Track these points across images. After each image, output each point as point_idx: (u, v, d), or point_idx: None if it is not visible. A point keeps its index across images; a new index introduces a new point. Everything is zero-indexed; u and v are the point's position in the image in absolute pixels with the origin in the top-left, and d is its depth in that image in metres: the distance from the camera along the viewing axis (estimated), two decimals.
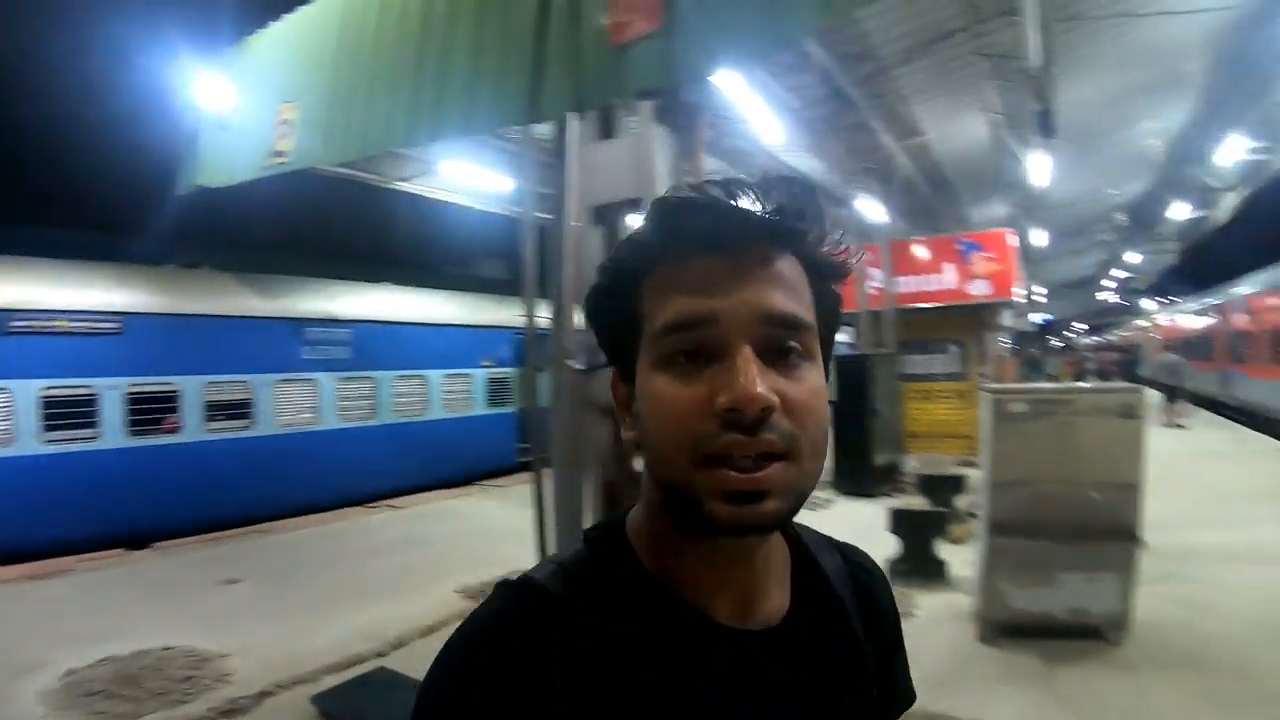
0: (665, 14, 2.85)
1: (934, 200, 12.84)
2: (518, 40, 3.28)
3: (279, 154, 4.43)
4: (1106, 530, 4.18)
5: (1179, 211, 19.18)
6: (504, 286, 12.26)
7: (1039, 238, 16.32)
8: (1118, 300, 42.19)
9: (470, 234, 15.91)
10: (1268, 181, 15.91)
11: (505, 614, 0.61)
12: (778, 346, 0.58)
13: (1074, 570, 4.25)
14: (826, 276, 0.64)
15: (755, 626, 0.64)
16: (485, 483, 11.50)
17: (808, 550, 0.73)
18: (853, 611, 0.73)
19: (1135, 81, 11.34)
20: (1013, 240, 11.56)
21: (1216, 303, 20.11)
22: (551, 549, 3.96)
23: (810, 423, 0.57)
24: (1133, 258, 26.67)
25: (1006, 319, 12.30)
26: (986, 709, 3.65)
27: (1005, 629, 4.44)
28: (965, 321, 11.01)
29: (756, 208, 0.58)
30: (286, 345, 9.70)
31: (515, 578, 0.64)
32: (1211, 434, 14.07)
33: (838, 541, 0.81)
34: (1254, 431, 14.12)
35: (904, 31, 8.33)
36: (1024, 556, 4.32)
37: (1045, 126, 7.32)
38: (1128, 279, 34.20)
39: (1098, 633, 4.31)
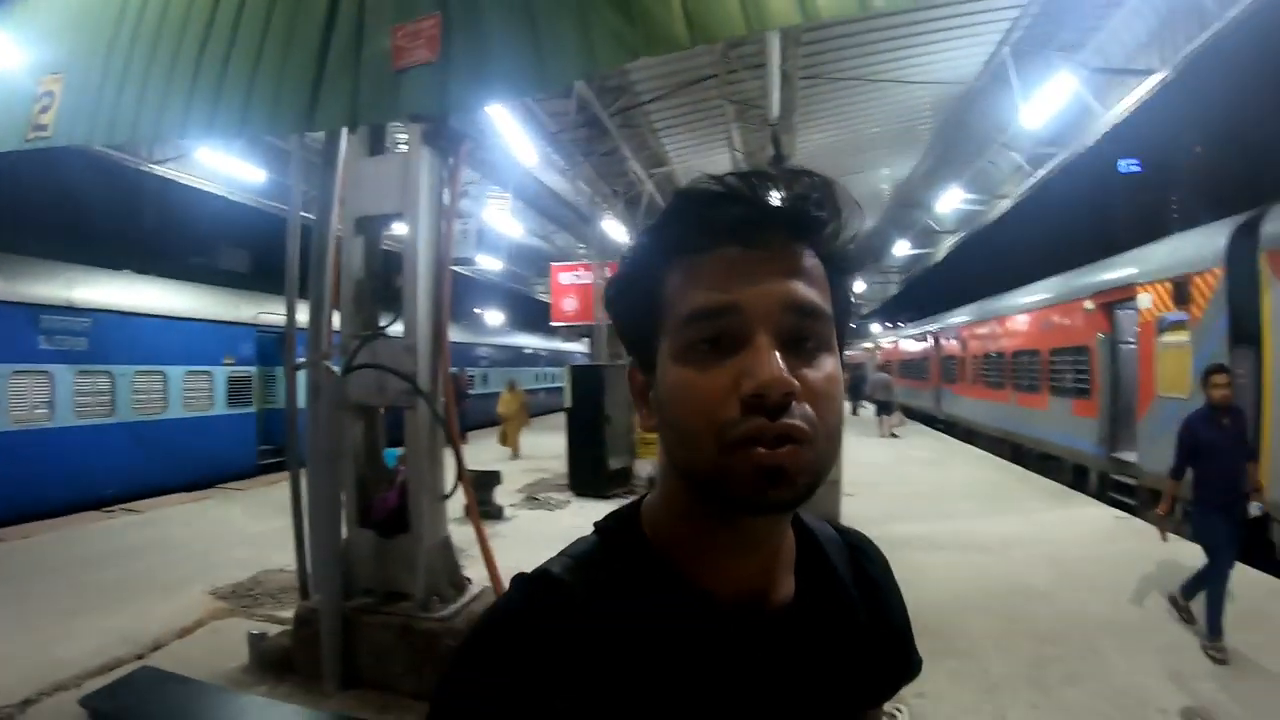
0: (444, 46, 3.20)
1: None
2: (301, 49, 3.44)
3: (40, 128, 4.20)
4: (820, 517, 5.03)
5: (903, 248, 22.56)
6: (247, 280, 11.80)
7: None
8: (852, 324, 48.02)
9: (216, 224, 15.05)
10: (978, 229, 19.06)
11: (521, 607, 0.61)
12: (798, 336, 0.59)
13: None
14: (842, 270, 0.65)
15: (765, 612, 0.66)
16: (226, 486, 11.06)
17: (813, 535, 0.75)
18: (856, 595, 0.75)
19: (871, 134, 13.23)
20: None
21: (930, 330, 23.44)
22: (307, 545, 4.17)
23: (827, 408, 0.59)
24: (860, 286, 31.02)
25: None
26: None
27: None
28: None
29: (776, 200, 0.60)
30: (20, 333, 8.74)
31: (531, 571, 0.65)
32: (921, 443, 16.36)
33: (841, 526, 0.83)
34: (958, 441, 16.73)
35: (662, 73, 9.25)
36: None
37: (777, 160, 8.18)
38: (856, 305, 39.51)
39: None
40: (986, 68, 10.67)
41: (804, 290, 0.60)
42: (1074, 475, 11.00)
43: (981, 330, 16.77)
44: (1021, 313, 13.85)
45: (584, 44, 2.94)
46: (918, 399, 24.44)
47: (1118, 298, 9.71)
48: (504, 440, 13.79)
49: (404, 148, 4.15)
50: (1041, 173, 13.49)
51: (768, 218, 0.59)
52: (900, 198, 17.74)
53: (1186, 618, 4.77)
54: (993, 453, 14.47)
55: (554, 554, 0.68)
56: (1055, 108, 9.56)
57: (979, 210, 17.52)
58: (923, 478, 11.18)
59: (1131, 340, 9.48)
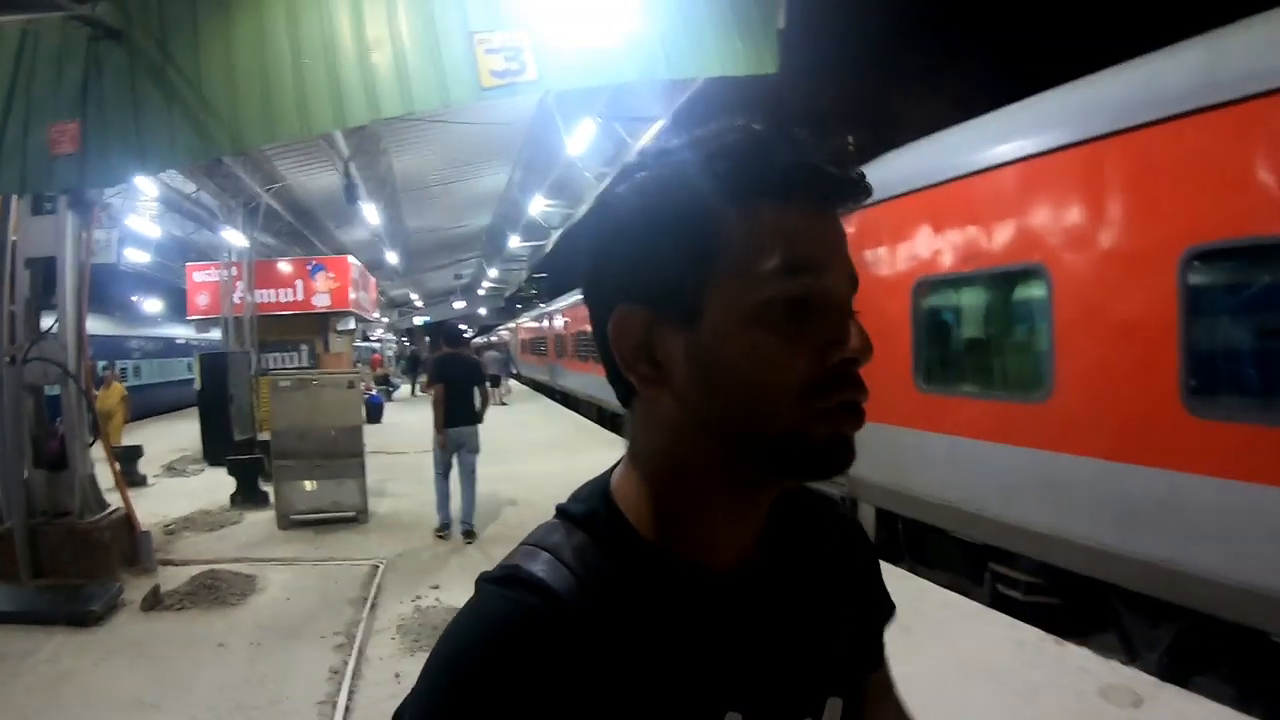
0: (83, 141, 4.81)
1: (302, 227, 15.47)
2: None
3: None
4: (344, 454, 7.27)
5: (515, 243, 26.24)
6: None
7: (393, 258, 20.69)
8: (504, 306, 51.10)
9: None
10: (568, 227, 23.39)
11: (516, 619, 0.53)
12: (850, 307, 0.57)
13: (329, 479, 7.27)
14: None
15: (745, 572, 0.62)
16: None
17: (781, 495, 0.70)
18: (822, 549, 0.73)
19: (463, 155, 15.55)
20: (354, 263, 15.08)
21: (546, 313, 27.93)
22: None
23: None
24: (494, 272, 34.45)
25: (349, 324, 15.70)
26: (274, 552, 6.45)
27: (293, 521, 7.22)
28: (312, 326, 14.15)
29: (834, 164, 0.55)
30: None
31: (501, 571, 0.57)
32: (528, 408, 20.42)
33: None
34: (561, 407, 20.91)
35: None
36: (299, 473, 7.18)
37: (350, 194, 10.20)
38: (492, 289, 42.67)
39: (353, 517, 7.42)
40: (538, 112, 13.18)
41: (852, 263, 0.57)
42: None
43: (576, 313, 21.12)
44: None
45: (172, 142, 4.81)
46: (540, 373, 28.86)
47: None
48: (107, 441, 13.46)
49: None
50: (601, 186, 17.56)
51: (840, 185, 0.55)
52: (503, 199, 20.71)
53: None
54: (589, 416, 18.44)
55: (498, 561, 0.59)
56: (587, 142, 12.71)
57: (569, 212, 21.59)
58: (525, 434, 14.35)
59: None
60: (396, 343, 39.15)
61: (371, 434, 9.55)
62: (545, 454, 12.03)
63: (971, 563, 5.06)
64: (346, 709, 3.70)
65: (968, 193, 4.99)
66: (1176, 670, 3.76)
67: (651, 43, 5.30)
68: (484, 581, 0.57)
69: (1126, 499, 3.83)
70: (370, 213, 12.66)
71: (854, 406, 0.54)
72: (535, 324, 32.11)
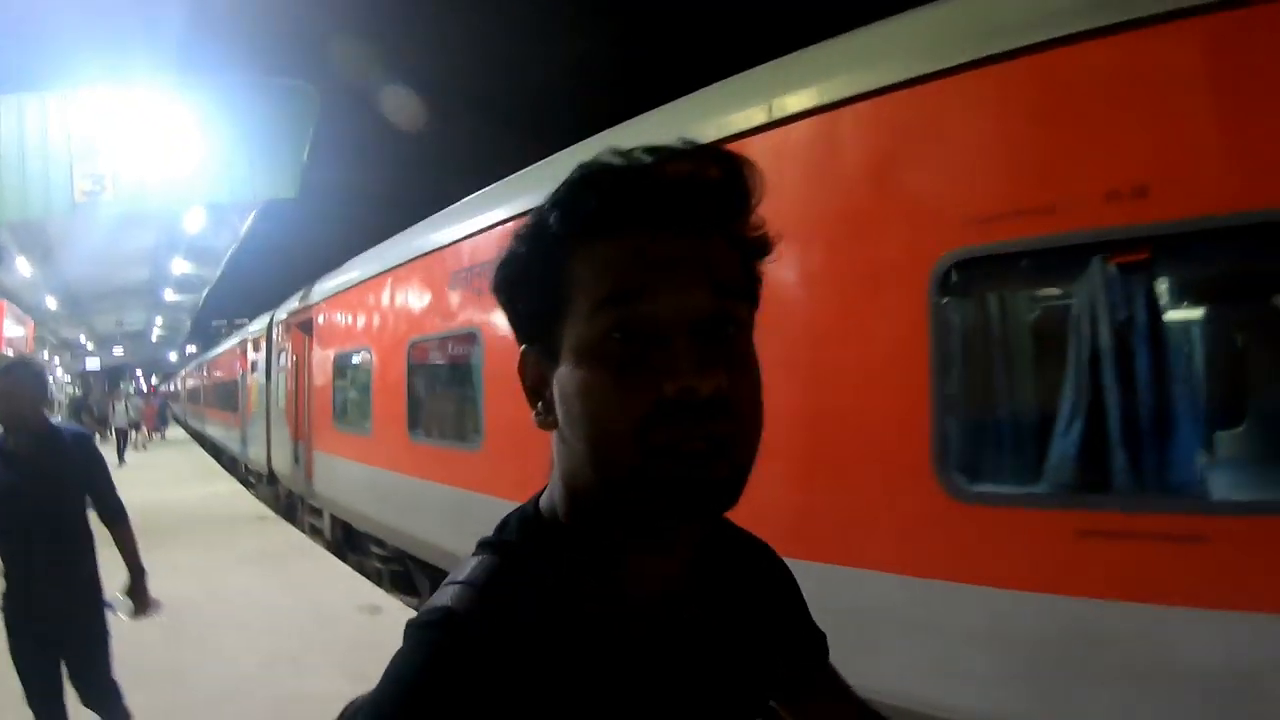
0: None
1: None
2: None
3: None
4: None
5: (170, 295, 25.80)
6: None
7: (53, 303, 21.80)
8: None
9: None
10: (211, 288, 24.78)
11: (434, 656, 0.52)
12: (717, 328, 0.53)
13: None
14: (752, 256, 0.59)
15: (670, 601, 0.61)
16: None
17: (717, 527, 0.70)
18: (748, 583, 0.73)
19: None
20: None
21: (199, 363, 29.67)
22: None
23: (751, 406, 0.54)
24: (159, 319, 33.65)
25: None
26: None
27: None
28: None
29: (690, 180, 0.55)
30: None
31: (430, 615, 0.55)
32: (171, 450, 22.95)
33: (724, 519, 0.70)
34: (200, 449, 23.36)
35: None
36: None
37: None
38: (162, 336, 42.03)
39: None
40: None
41: (722, 279, 0.54)
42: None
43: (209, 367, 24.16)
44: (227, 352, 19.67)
45: None
46: (189, 418, 31.39)
47: (247, 349, 15.16)
48: None
49: None
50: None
51: (687, 200, 0.54)
52: (154, 258, 21.05)
53: None
54: (216, 455, 20.43)
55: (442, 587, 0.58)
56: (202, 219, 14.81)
57: (209, 273, 23.69)
58: (174, 466, 17.08)
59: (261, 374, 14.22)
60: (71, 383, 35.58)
61: None
62: (177, 485, 14.04)
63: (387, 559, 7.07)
64: None
65: (439, 266, 5.75)
66: None
67: (209, 173, 7.18)
68: (408, 627, 0.55)
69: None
70: (22, 264, 14.19)
71: (692, 444, 0.50)
72: (196, 374, 31.73)
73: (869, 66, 2.76)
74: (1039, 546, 2.29)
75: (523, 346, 0.60)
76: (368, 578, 6.93)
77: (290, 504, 11.14)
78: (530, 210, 0.60)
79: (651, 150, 0.56)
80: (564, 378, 0.55)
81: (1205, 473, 2.17)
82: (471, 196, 5.75)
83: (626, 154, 0.56)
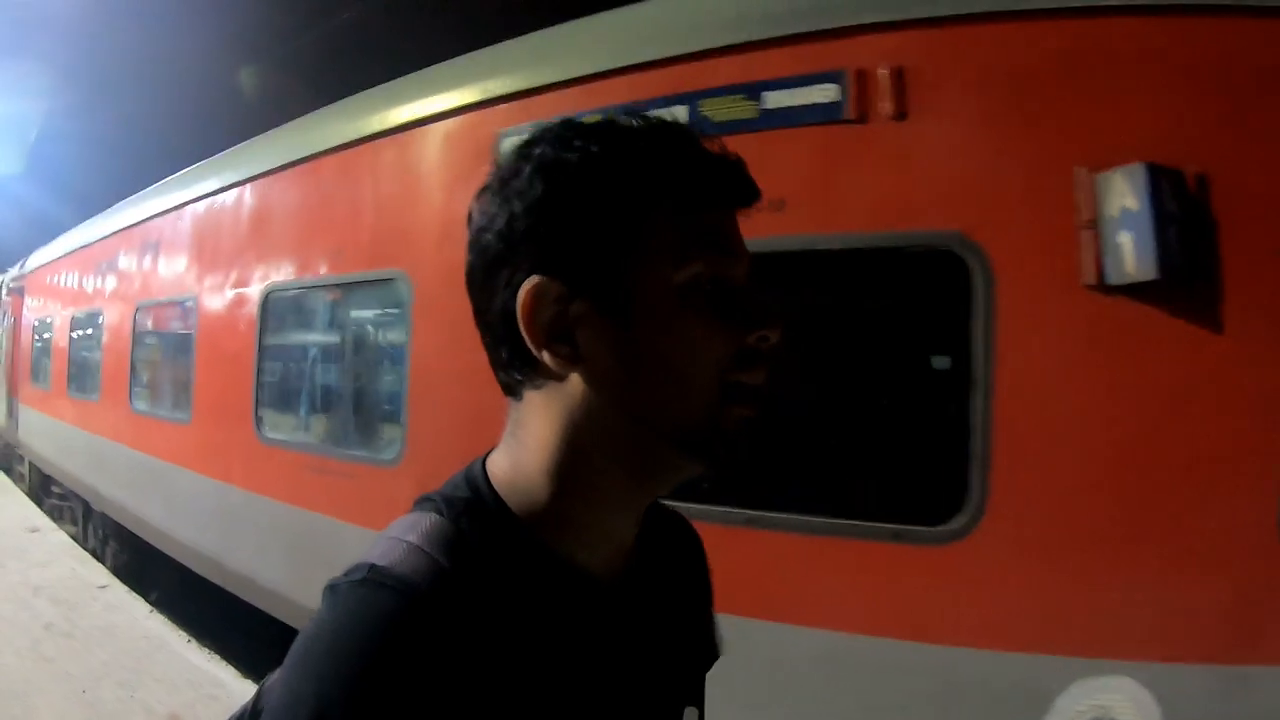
0: None
1: None
2: None
3: None
4: None
5: None
6: None
7: None
8: None
9: None
10: None
11: (395, 612, 0.49)
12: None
13: None
14: None
15: (620, 577, 0.62)
16: None
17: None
18: (677, 558, 0.75)
19: None
20: None
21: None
22: None
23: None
24: None
25: None
26: None
27: None
28: None
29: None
30: None
31: (359, 571, 0.52)
32: None
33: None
34: None
35: None
36: None
37: None
38: None
39: None
40: None
41: None
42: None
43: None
44: None
45: None
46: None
47: None
48: None
49: None
50: None
51: (750, 189, 0.59)
52: None
53: None
54: None
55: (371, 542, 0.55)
56: None
57: None
58: None
59: None
60: None
61: None
62: None
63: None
64: None
65: (118, 245, 6.61)
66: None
67: None
68: (340, 584, 0.51)
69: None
70: None
71: (748, 389, 0.56)
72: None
73: None
74: (295, 474, 3.87)
75: (535, 278, 0.55)
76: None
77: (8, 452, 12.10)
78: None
79: (715, 139, 0.59)
80: (644, 327, 0.55)
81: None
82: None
83: (710, 139, 0.59)
